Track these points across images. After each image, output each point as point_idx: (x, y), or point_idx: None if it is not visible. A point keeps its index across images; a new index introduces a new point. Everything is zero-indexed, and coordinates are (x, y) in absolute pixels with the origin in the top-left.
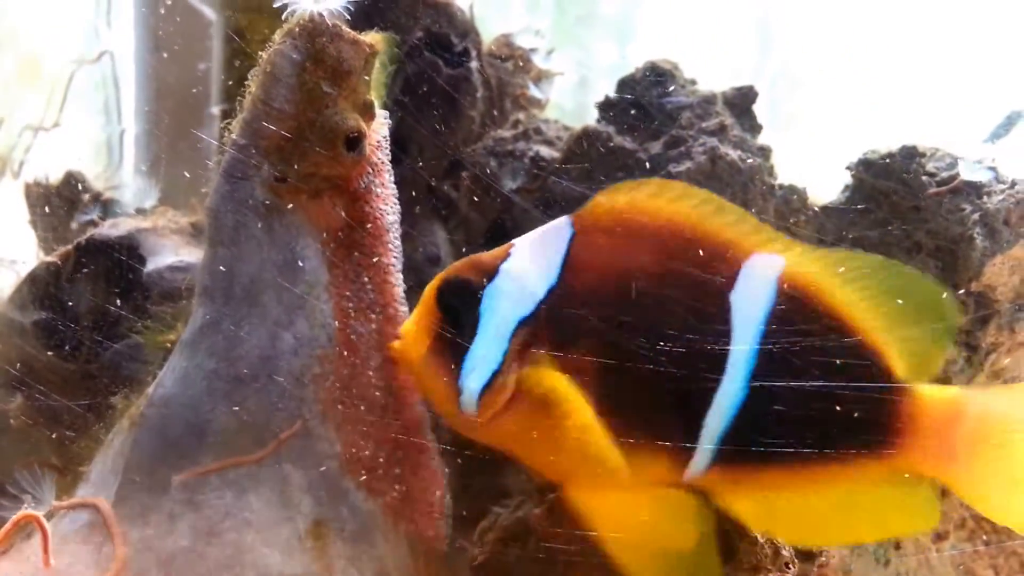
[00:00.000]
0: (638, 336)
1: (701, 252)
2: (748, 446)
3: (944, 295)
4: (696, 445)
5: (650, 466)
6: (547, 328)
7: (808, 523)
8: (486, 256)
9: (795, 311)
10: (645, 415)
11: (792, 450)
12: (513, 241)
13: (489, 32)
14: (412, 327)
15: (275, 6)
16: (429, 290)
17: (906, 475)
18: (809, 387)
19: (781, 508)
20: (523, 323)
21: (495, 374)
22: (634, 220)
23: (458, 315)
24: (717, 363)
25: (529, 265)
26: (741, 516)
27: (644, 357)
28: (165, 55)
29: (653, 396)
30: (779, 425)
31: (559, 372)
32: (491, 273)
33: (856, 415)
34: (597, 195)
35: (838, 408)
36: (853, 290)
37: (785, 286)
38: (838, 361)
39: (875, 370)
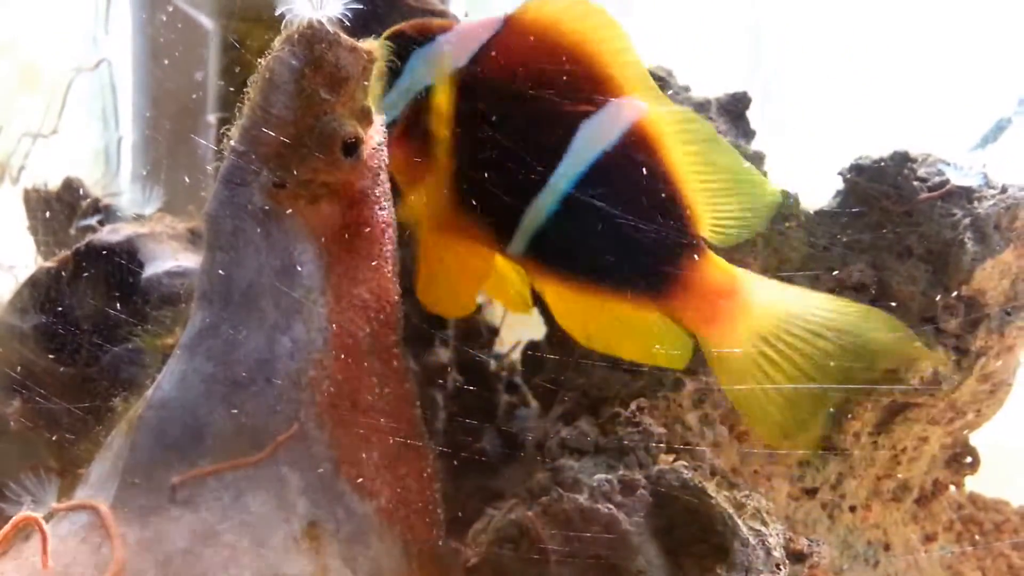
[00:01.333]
0: (499, 131)
1: (581, 79)
2: (548, 248)
3: (768, 188)
4: (511, 234)
5: (485, 234)
6: (441, 102)
7: (585, 326)
8: (438, 22)
9: (628, 157)
10: (489, 194)
11: (583, 268)
12: (465, 17)
13: None
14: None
15: (276, 13)
16: (389, 31)
17: (670, 320)
18: (601, 226)
19: (570, 307)
20: (426, 90)
21: (394, 122)
22: (547, 34)
23: (393, 61)
24: (545, 175)
25: (454, 44)
26: (546, 300)
27: (498, 151)
28: (166, 62)
29: (496, 183)
30: (578, 244)
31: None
32: (430, 38)
33: (645, 258)
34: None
35: (631, 246)
36: (691, 153)
37: (632, 133)
38: (645, 207)
39: (675, 226)
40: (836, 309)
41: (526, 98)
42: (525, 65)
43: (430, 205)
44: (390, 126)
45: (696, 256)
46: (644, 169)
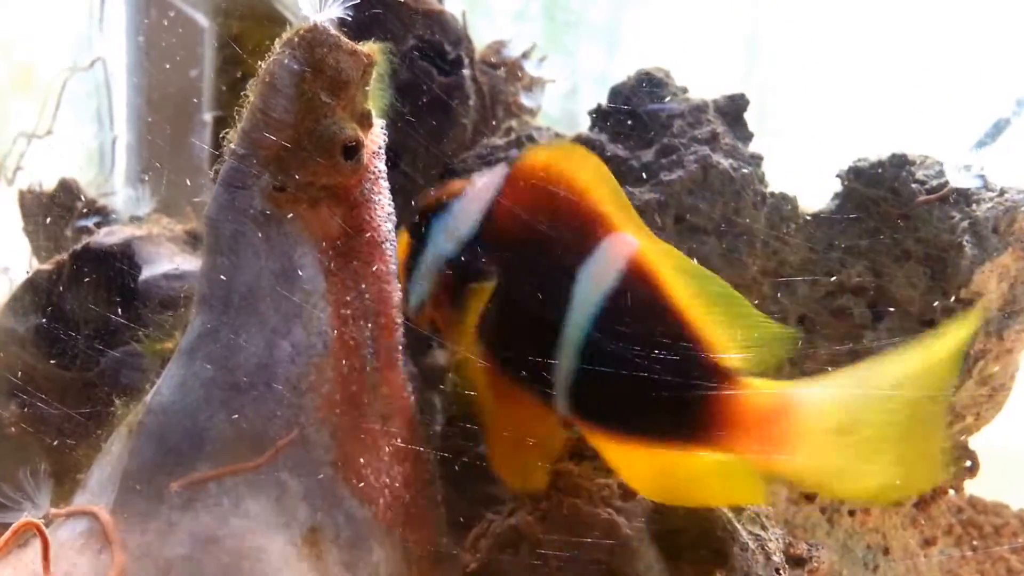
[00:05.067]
0: (514, 289)
1: (577, 223)
2: (588, 405)
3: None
4: (550, 391)
5: (534, 398)
6: (461, 268)
7: (651, 482)
8: (454, 186)
9: (633, 295)
10: (523, 356)
11: (623, 421)
12: (474, 177)
13: (479, 39)
14: (403, 232)
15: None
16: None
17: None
18: (628, 371)
19: (629, 463)
20: (448, 261)
21: (423, 300)
22: (544, 183)
23: (416, 237)
24: (557, 331)
25: (466, 207)
26: (608, 461)
27: (518, 310)
28: (159, 62)
29: (521, 343)
30: (608, 397)
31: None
32: (445, 206)
33: (680, 403)
34: (533, 149)
35: (661, 394)
36: (693, 286)
37: (631, 270)
38: (665, 348)
39: (701, 362)
40: (891, 379)
41: (531, 252)
42: (524, 219)
43: (478, 376)
44: (419, 307)
45: (729, 384)
46: (651, 304)
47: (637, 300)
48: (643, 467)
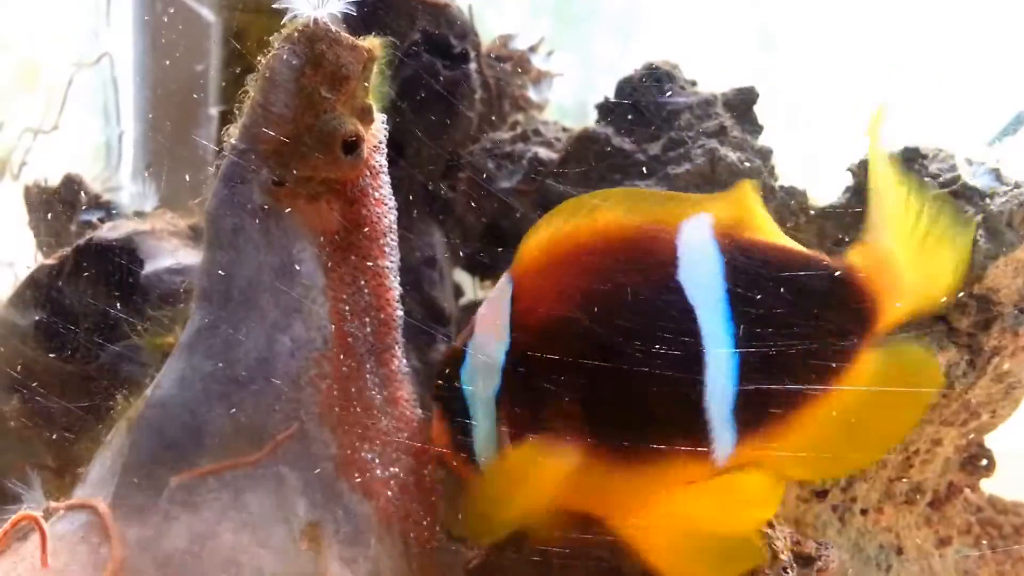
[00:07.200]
0: (609, 358)
1: (634, 250)
2: (759, 410)
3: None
4: (709, 434)
5: (678, 470)
6: (520, 389)
7: (843, 443)
8: (461, 338)
9: (745, 258)
10: (649, 428)
11: (802, 383)
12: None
13: (487, 31)
14: (436, 431)
15: (275, 7)
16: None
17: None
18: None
19: (815, 447)
20: (499, 395)
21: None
22: (562, 248)
23: (452, 407)
24: (693, 347)
25: (486, 335)
26: (789, 476)
27: (622, 376)
28: (164, 57)
29: (648, 408)
30: (779, 368)
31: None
32: (463, 355)
33: (838, 318)
34: (523, 241)
35: (822, 321)
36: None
37: (724, 239)
38: (801, 282)
39: (826, 273)
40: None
41: (602, 313)
42: (572, 290)
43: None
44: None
45: (852, 271)
46: (766, 255)
47: (751, 265)
48: (832, 429)
